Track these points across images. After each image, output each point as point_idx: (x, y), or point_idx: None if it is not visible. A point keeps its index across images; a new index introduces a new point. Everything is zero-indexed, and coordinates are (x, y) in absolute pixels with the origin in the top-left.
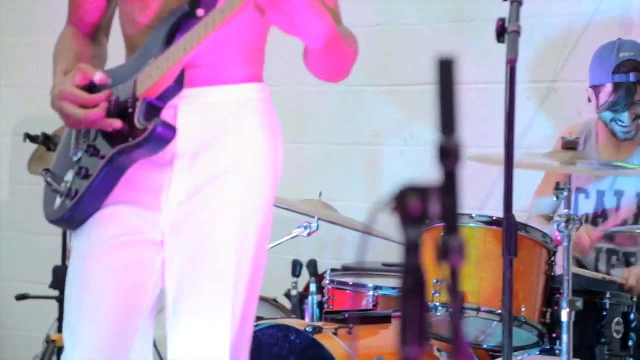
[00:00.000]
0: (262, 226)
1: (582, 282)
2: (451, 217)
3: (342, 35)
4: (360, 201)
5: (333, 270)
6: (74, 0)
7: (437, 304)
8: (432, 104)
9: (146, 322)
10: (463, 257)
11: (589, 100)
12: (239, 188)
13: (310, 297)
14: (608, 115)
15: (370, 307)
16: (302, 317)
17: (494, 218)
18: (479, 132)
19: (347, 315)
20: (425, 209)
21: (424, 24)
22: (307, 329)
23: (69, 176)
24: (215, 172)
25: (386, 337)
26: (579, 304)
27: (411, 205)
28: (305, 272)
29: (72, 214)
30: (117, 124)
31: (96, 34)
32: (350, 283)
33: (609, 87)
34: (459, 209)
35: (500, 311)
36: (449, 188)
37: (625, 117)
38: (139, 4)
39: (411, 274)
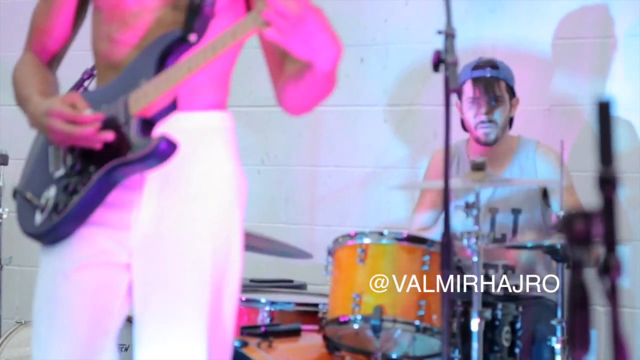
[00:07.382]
0: (234, 249)
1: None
2: (611, 238)
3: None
4: None
5: None
6: (38, 27)
7: (355, 316)
8: (287, 125)
9: (111, 343)
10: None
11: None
12: (207, 213)
13: None
14: (471, 117)
15: (267, 321)
16: None
17: (404, 235)
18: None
19: (263, 329)
20: (589, 231)
21: None
22: (236, 343)
23: (51, 192)
24: (184, 195)
25: (301, 347)
26: (487, 314)
27: (577, 228)
28: None
29: (59, 227)
30: (109, 136)
31: (53, 63)
32: (244, 299)
33: (469, 84)
34: (618, 231)
35: (417, 322)
36: (608, 213)
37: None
38: (118, 23)
39: (578, 289)
